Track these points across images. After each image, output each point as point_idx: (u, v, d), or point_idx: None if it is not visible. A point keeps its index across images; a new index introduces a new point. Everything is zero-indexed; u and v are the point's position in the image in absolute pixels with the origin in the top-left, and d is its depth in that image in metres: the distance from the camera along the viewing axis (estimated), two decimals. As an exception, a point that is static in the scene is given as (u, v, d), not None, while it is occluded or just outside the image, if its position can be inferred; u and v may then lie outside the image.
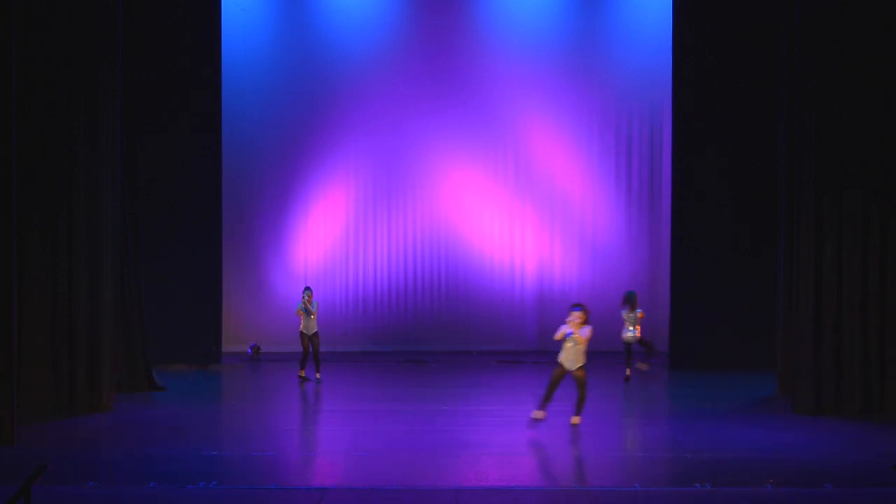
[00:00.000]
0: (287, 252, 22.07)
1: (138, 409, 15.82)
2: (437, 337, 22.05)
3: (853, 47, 15.02)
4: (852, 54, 15.03)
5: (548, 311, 22.12)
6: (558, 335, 13.97)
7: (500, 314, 22.17)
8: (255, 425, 14.86)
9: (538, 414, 14.04)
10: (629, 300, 18.40)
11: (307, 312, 17.94)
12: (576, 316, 13.95)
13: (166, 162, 19.84)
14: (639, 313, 18.29)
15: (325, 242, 22.17)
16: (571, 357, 13.96)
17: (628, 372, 18.50)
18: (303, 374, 18.10)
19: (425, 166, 22.11)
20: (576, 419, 14.03)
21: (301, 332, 18.06)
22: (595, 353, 21.27)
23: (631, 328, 18.28)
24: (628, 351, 18.49)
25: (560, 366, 13.98)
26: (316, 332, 18.07)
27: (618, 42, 21.87)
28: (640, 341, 18.51)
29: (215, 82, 20.29)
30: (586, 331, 13.88)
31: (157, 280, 19.10)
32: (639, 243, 22.11)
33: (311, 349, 18.02)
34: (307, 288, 18.40)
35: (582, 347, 13.88)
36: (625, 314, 18.36)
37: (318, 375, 17.96)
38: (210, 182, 20.36)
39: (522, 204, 22.17)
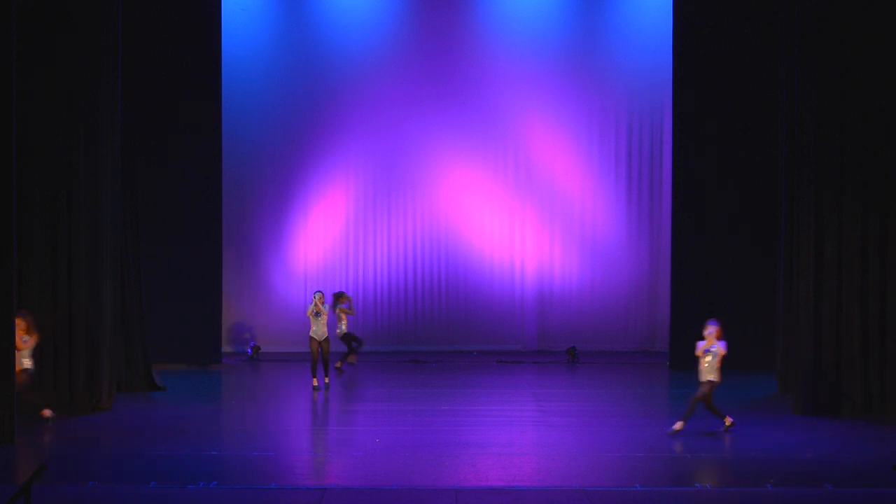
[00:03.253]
0: (287, 252, 22.06)
1: (138, 409, 15.81)
2: (437, 337, 22.05)
3: (853, 47, 15.03)
4: (852, 54, 15.03)
5: (548, 311, 22.12)
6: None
7: (501, 314, 22.15)
8: (255, 425, 14.85)
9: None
10: None
11: (317, 315, 17.27)
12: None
13: (166, 162, 19.82)
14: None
15: (325, 242, 22.15)
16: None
17: None
18: (315, 382, 17.33)
19: (425, 166, 22.10)
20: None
21: (311, 337, 17.35)
22: (596, 353, 21.43)
23: None
24: None
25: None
26: (327, 338, 17.38)
27: (618, 42, 21.87)
28: None
29: (215, 82, 20.28)
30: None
31: (157, 280, 19.09)
32: (639, 243, 22.10)
33: (320, 355, 17.32)
34: (319, 292, 17.71)
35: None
36: None
37: (326, 380, 17.48)
38: (210, 182, 20.35)
39: (522, 204, 22.15)
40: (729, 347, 19.75)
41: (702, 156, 19.77)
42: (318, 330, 17.32)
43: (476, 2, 22.04)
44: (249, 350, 21.32)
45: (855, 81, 15.04)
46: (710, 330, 14.13)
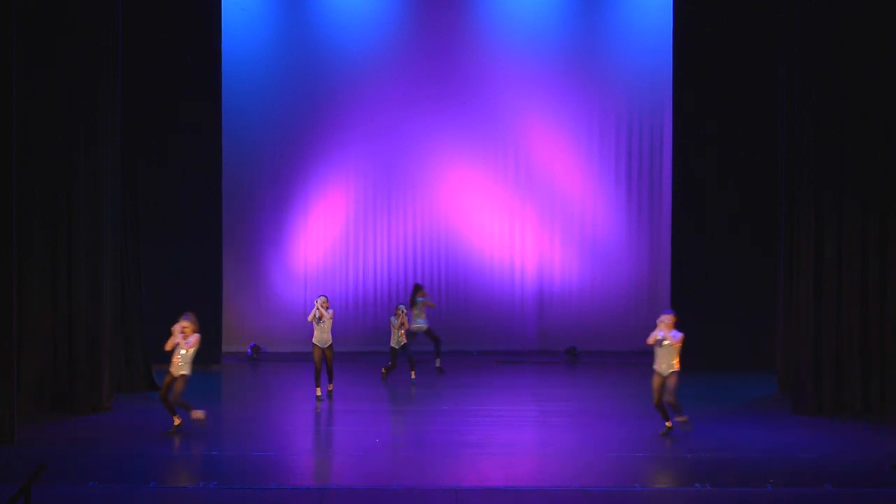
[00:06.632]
0: (287, 252, 22.05)
1: (138, 409, 15.82)
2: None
3: (853, 47, 15.03)
4: (852, 54, 15.04)
5: (548, 311, 22.11)
6: None
7: (501, 314, 22.14)
8: (255, 425, 14.87)
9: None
10: None
11: (319, 320, 16.54)
12: None
13: (166, 162, 19.84)
14: None
15: (325, 242, 22.15)
16: None
17: None
18: (319, 392, 16.68)
19: (425, 166, 22.09)
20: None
21: (314, 345, 16.71)
22: (596, 353, 21.43)
23: None
24: None
25: None
26: (330, 345, 16.70)
27: (618, 42, 21.85)
28: None
29: (215, 82, 20.29)
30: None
31: (157, 280, 19.09)
32: (639, 243, 22.09)
33: (323, 363, 16.69)
34: (322, 296, 16.99)
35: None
36: None
37: (329, 387, 16.87)
38: (210, 182, 20.35)
39: (522, 204, 22.14)
40: (729, 347, 19.93)
41: (702, 156, 19.79)
42: (322, 336, 16.65)
43: (476, 2, 22.04)
44: (249, 350, 21.33)
45: (855, 81, 15.05)
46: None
